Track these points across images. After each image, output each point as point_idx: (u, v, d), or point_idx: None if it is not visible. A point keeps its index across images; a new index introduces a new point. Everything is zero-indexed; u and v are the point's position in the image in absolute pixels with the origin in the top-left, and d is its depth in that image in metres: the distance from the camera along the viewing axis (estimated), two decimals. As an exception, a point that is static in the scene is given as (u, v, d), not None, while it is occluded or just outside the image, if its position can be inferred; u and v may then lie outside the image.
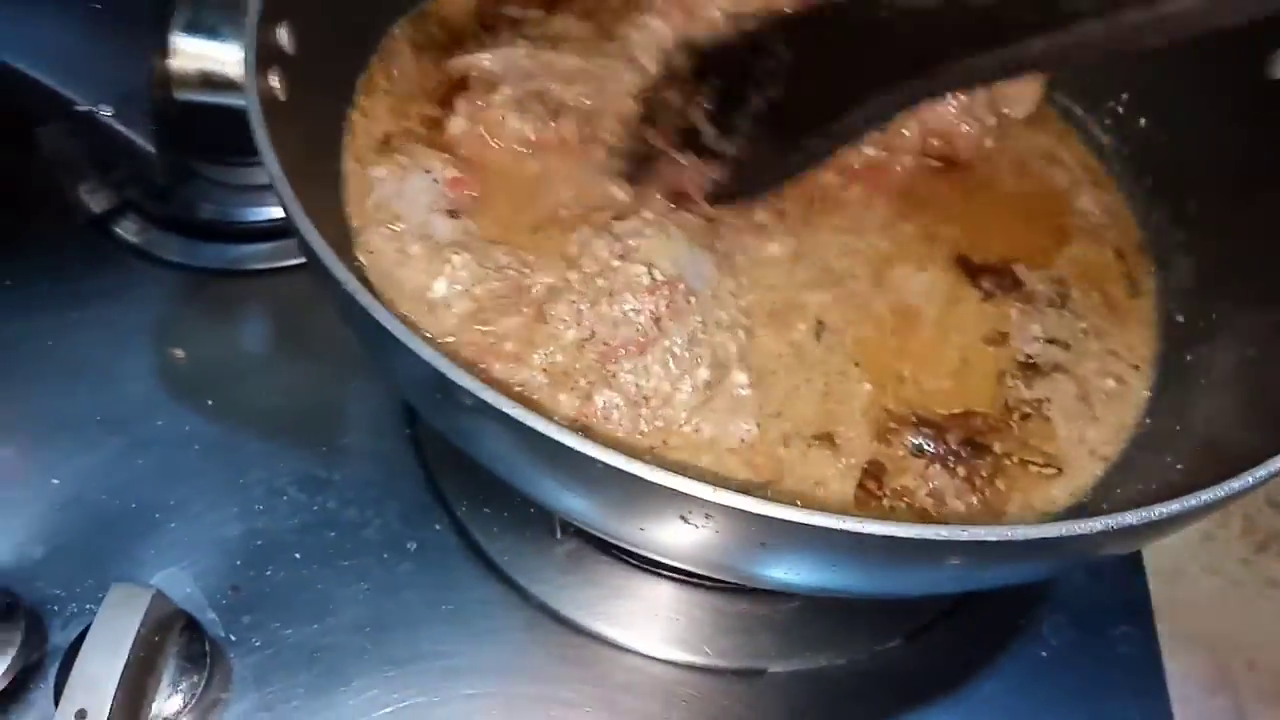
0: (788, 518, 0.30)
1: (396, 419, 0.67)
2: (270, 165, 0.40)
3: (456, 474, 0.64)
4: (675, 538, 0.36)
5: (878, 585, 0.41)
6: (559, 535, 0.62)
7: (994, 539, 0.30)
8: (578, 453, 0.32)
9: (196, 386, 0.68)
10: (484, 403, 0.33)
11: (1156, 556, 0.66)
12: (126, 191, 0.76)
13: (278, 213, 0.77)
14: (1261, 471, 0.36)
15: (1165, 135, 0.63)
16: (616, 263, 0.50)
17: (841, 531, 0.30)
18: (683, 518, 0.33)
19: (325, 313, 0.71)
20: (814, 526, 0.30)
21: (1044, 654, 0.60)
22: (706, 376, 0.49)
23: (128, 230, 0.76)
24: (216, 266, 0.74)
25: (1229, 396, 0.50)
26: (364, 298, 0.37)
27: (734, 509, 0.31)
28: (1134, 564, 0.64)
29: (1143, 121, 0.64)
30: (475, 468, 0.63)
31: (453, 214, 0.53)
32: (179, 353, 0.69)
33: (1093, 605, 0.62)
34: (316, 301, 0.73)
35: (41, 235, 0.74)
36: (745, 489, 0.34)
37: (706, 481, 0.31)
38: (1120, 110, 0.65)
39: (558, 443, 0.33)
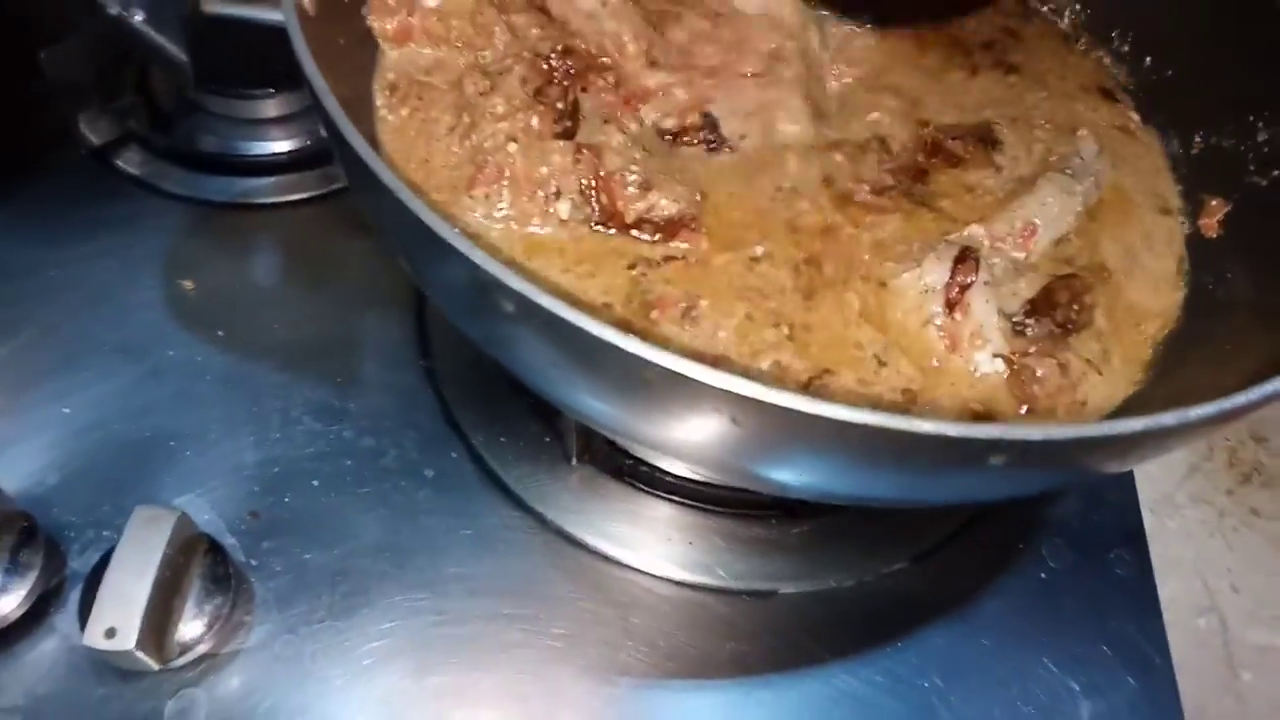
0: (846, 418, 0.31)
1: (411, 350, 0.67)
2: (308, 69, 0.39)
3: (472, 404, 0.65)
4: (712, 437, 0.37)
5: (933, 490, 0.42)
6: (573, 462, 0.63)
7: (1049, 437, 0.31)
8: (628, 354, 0.33)
9: (207, 317, 0.68)
10: (532, 303, 0.34)
11: (1145, 488, 0.68)
12: (128, 122, 0.75)
13: (282, 146, 0.77)
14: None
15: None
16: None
17: (900, 431, 0.31)
18: (733, 420, 0.34)
19: (335, 246, 0.73)
20: (879, 428, 0.31)
21: (1043, 575, 0.62)
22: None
23: (130, 162, 0.75)
24: (223, 200, 0.74)
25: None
26: (407, 197, 0.36)
27: (786, 409, 0.32)
28: (1127, 490, 0.66)
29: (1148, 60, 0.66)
30: (491, 397, 0.66)
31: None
32: (188, 284, 0.69)
33: (1089, 530, 0.65)
34: (324, 234, 0.74)
35: (43, 166, 0.74)
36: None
37: (757, 380, 0.32)
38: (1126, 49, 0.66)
39: (606, 343, 0.33)
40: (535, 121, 0.52)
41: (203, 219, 0.73)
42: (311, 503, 0.61)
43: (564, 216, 0.51)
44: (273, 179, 0.75)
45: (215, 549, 0.55)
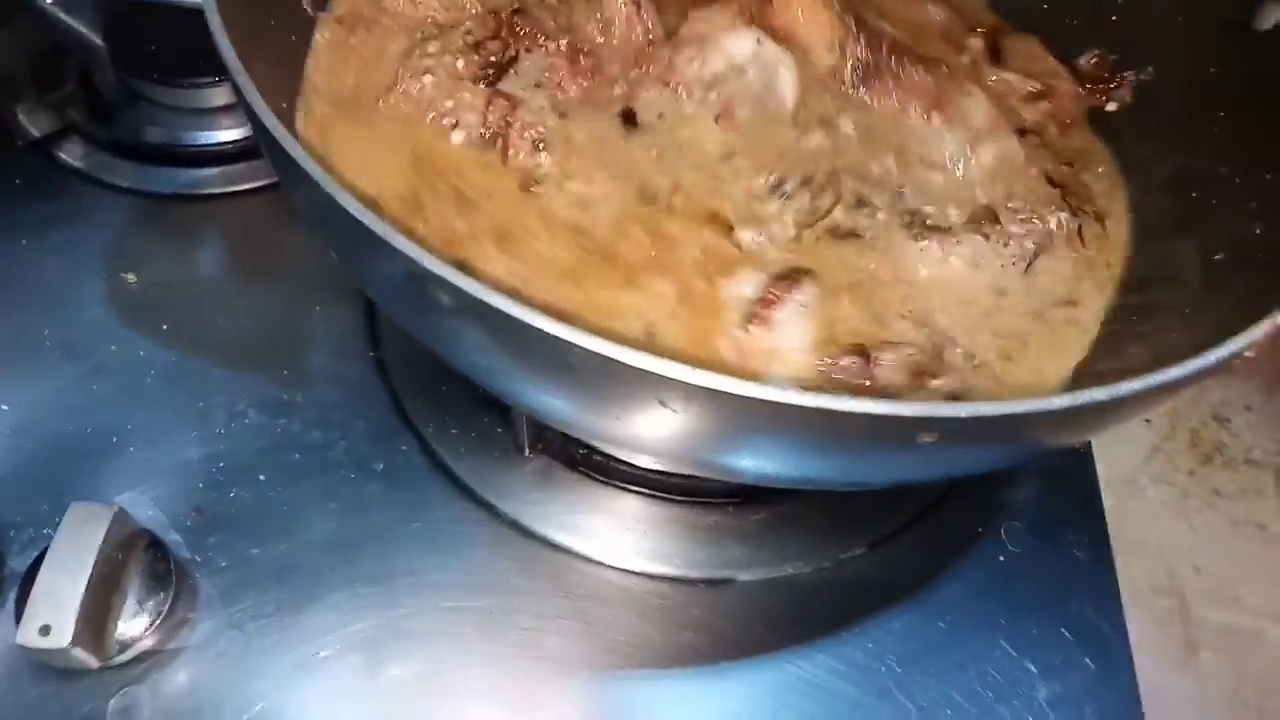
0: (777, 399, 0.30)
1: (360, 342, 0.66)
2: (223, 47, 0.38)
3: (422, 396, 0.64)
4: (653, 427, 0.36)
5: (870, 471, 0.41)
6: (526, 453, 0.62)
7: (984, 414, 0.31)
8: (560, 340, 0.32)
9: (151, 311, 0.66)
10: (467, 295, 0.33)
11: (1108, 469, 0.68)
12: (68, 114, 0.74)
13: (228, 136, 0.75)
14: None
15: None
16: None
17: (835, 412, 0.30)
18: (662, 402, 0.33)
19: (283, 237, 0.72)
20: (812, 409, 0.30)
21: (1002, 559, 0.62)
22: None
23: (72, 154, 0.73)
24: (168, 191, 0.72)
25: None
26: (332, 187, 0.36)
27: (718, 391, 0.31)
28: (1087, 474, 0.66)
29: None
30: (441, 388, 0.64)
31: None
32: (131, 277, 0.68)
33: (1048, 514, 0.64)
34: (272, 225, 0.72)
35: (-21, 159, 0.72)
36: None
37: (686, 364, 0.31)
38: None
39: (535, 329, 0.32)
40: (460, 64, 0.55)
41: (148, 211, 0.72)
42: (258, 498, 0.59)
43: (455, 141, 0.54)
44: (220, 169, 0.74)
45: (155, 545, 0.54)
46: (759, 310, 0.48)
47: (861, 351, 0.47)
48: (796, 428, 0.34)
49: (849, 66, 0.60)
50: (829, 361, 0.47)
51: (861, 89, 0.59)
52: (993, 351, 0.51)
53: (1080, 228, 0.56)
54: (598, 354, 0.32)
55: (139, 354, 0.64)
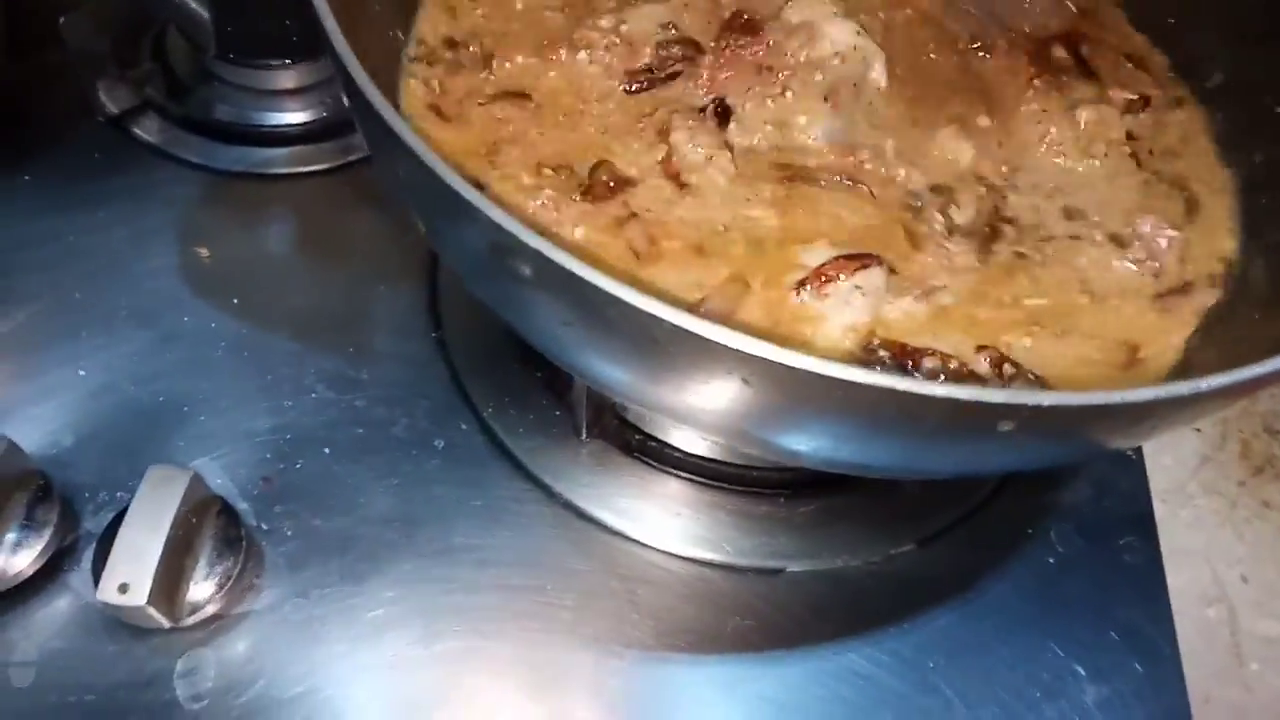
0: (858, 380, 0.31)
1: (423, 322, 0.67)
2: (329, 28, 0.39)
3: (482, 376, 0.65)
4: (722, 398, 0.37)
5: (935, 457, 0.41)
6: (583, 436, 0.63)
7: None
8: (645, 314, 0.33)
9: (221, 285, 0.68)
10: (548, 260, 0.34)
11: (1159, 478, 0.68)
12: (146, 90, 0.76)
13: (297, 118, 0.77)
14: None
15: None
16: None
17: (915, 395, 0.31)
18: (744, 380, 0.34)
19: (349, 218, 0.73)
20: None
21: (1051, 561, 0.62)
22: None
23: (147, 130, 0.75)
24: (238, 169, 0.74)
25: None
26: (424, 152, 0.36)
27: (798, 370, 0.32)
28: (1138, 478, 0.66)
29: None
30: (501, 370, 0.66)
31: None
32: (203, 251, 0.69)
33: (1099, 517, 0.64)
34: (339, 206, 0.74)
35: (62, 134, 0.74)
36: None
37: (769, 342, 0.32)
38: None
39: (617, 299, 0.33)
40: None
41: (219, 188, 0.74)
42: (323, 470, 0.61)
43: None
44: (288, 150, 0.75)
45: (227, 511, 0.56)
46: (813, 280, 0.48)
47: (902, 352, 0.48)
48: (872, 410, 0.35)
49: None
50: (865, 351, 0.47)
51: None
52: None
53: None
54: (684, 329, 0.33)
55: (210, 325, 0.66)
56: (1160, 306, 0.52)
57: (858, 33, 0.58)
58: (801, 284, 0.49)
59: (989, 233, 0.53)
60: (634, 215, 0.52)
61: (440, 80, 0.57)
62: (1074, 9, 0.66)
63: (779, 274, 0.50)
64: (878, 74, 0.58)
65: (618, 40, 0.58)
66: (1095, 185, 0.58)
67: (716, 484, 0.62)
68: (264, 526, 0.58)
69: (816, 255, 0.50)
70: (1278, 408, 0.77)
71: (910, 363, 0.46)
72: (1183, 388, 0.32)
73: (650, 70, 0.58)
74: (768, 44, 0.58)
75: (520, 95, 0.57)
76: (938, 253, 0.52)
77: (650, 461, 0.63)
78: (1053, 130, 0.59)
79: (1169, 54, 0.66)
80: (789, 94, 0.56)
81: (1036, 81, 0.61)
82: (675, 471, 0.63)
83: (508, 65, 0.58)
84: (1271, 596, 0.68)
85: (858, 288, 0.48)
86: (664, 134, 0.56)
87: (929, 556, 0.62)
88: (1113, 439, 0.40)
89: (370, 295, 0.69)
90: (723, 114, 0.56)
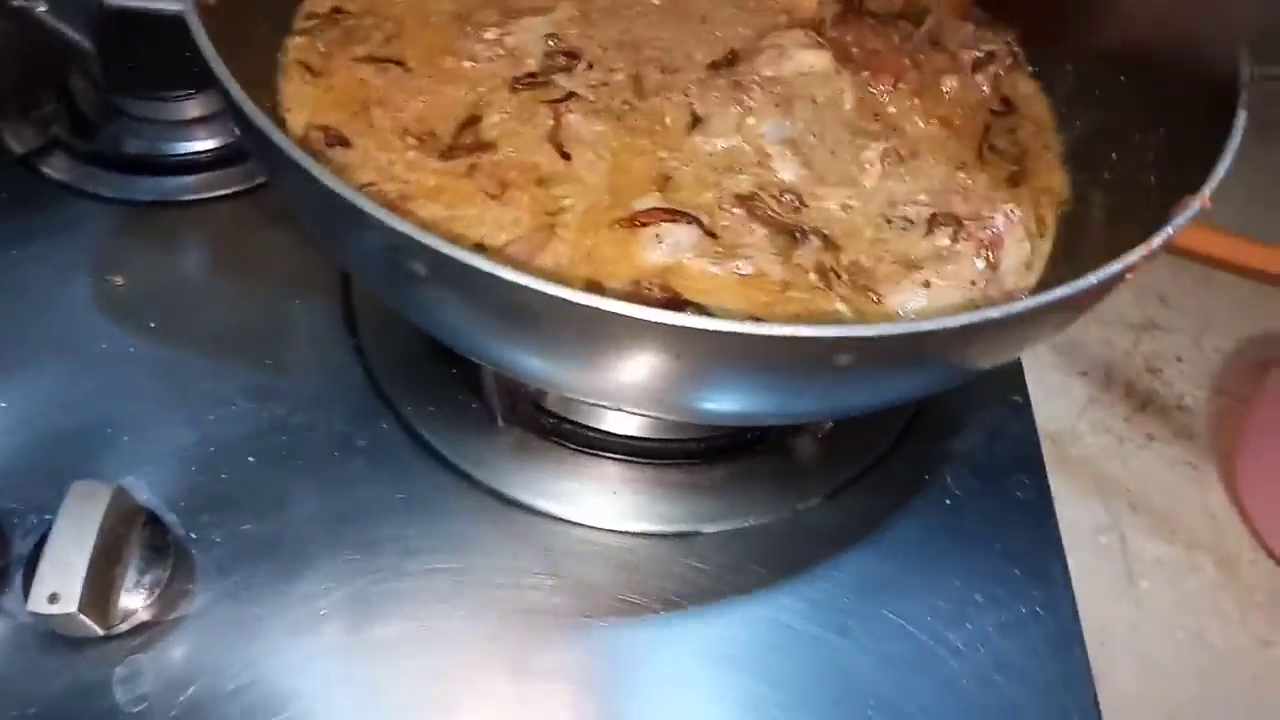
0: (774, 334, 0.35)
1: (339, 330, 0.70)
2: (205, 51, 0.42)
3: (400, 377, 0.68)
4: (614, 362, 0.40)
5: (802, 399, 0.45)
6: (500, 424, 0.66)
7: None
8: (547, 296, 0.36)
9: (139, 311, 0.70)
10: (446, 258, 0.37)
11: (1050, 420, 0.72)
12: (52, 129, 0.77)
13: (205, 145, 0.79)
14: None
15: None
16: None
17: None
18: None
19: (261, 238, 0.75)
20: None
21: (949, 502, 0.66)
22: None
23: (56, 168, 0.77)
24: (150, 199, 0.76)
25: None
26: (309, 164, 0.40)
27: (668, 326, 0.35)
28: (1026, 422, 0.71)
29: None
30: (418, 369, 0.68)
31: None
32: (119, 280, 0.71)
33: (991, 460, 0.69)
34: (251, 227, 0.76)
35: (-33, 176, 0.75)
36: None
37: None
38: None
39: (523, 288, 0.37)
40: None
41: (131, 219, 0.75)
42: (248, 478, 0.63)
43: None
44: (198, 177, 0.77)
45: (154, 521, 0.57)
46: (627, 221, 0.54)
47: (671, 298, 0.53)
48: (735, 355, 0.38)
49: (832, 12, 0.67)
50: (635, 286, 0.53)
51: (838, 30, 0.66)
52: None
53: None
54: (549, 295, 0.36)
55: (128, 350, 0.68)
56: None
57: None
58: (618, 221, 0.54)
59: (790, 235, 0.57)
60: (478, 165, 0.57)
61: (321, 42, 0.61)
62: None
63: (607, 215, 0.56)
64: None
65: (502, 51, 0.62)
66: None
67: (633, 459, 0.66)
68: (193, 535, 0.60)
69: (646, 204, 0.56)
70: (1159, 348, 0.82)
71: (673, 307, 0.51)
72: (993, 312, 0.37)
73: (534, 75, 0.61)
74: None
75: (395, 61, 0.61)
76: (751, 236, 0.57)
77: (566, 443, 0.66)
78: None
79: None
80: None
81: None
82: (592, 451, 0.66)
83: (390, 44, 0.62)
84: (1158, 521, 0.72)
85: (657, 236, 0.53)
86: (555, 110, 0.60)
87: (835, 507, 0.65)
88: (958, 364, 0.44)
89: (286, 309, 0.71)
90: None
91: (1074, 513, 0.68)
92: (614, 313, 0.35)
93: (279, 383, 0.67)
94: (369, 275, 0.49)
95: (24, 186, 0.75)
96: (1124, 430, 0.76)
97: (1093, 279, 0.40)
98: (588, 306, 0.36)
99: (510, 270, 0.37)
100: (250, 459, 0.64)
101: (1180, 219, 0.45)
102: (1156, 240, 0.43)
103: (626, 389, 0.44)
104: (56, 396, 0.65)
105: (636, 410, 0.60)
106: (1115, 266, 0.41)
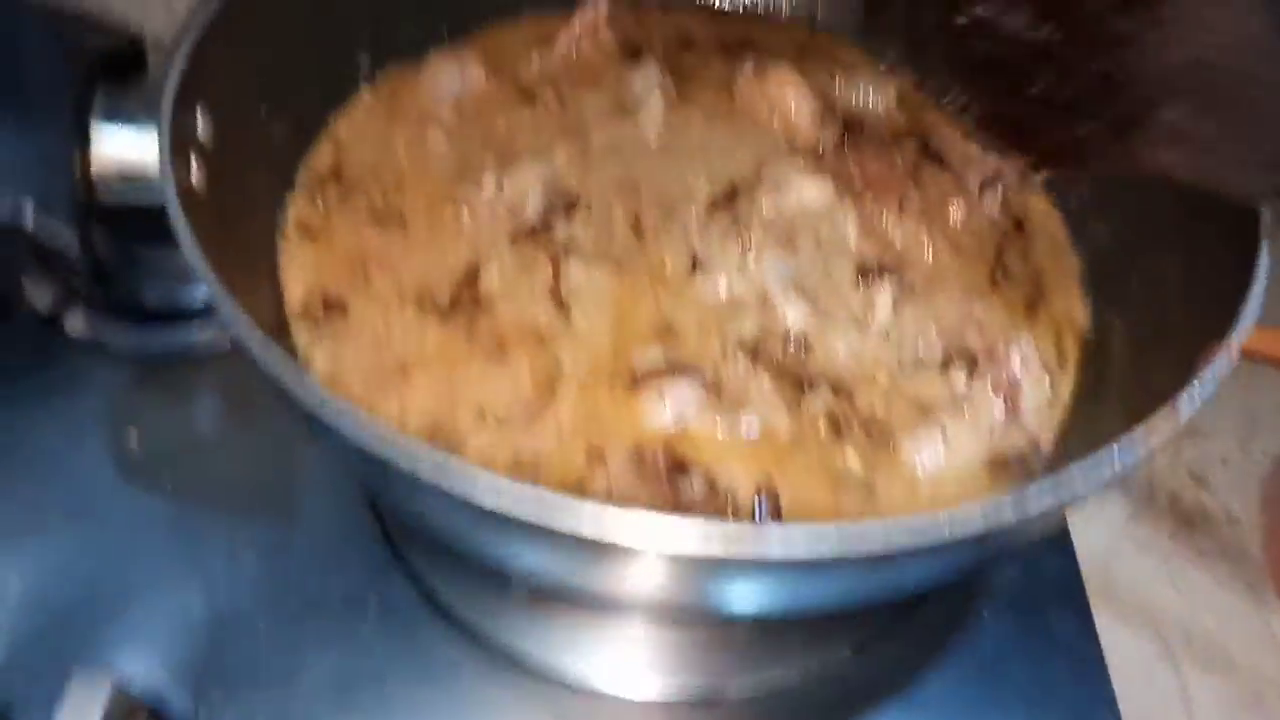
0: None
1: (352, 484, 0.69)
2: (191, 256, 0.42)
3: (414, 534, 0.66)
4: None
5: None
6: (515, 584, 0.64)
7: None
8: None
9: (154, 469, 0.69)
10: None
11: (1088, 541, 0.69)
12: (72, 283, 0.78)
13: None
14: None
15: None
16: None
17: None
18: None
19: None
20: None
21: (984, 647, 0.63)
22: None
23: (74, 321, 0.78)
24: (166, 350, 0.76)
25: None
26: (285, 374, 0.39)
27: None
28: (1065, 550, 0.67)
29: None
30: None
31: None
32: (134, 438, 0.71)
33: (1029, 593, 0.65)
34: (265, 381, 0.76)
35: (-11, 337, 0.76)
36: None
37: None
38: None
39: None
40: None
41: (147, 372, 0.76)
42: (259, 645, 0.61)
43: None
44: (215, 328, 0.78)
45: (155, 716, 0.56)
46: (631, 382, 0.53)
47: (673, 462, 0.51)
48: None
49: (831, 139, 0.66)
50: (638, 454, 0.51)
51: (839, 156, 0.65)
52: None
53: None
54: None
55: (142, 513, 0.67)
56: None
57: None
58: (619, 380, 0.53)
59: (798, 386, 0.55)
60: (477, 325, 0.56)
61: (321, 200, 0.61)
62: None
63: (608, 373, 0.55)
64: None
65: (501, 200, 0.61)
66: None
67: (655, 621, 0.63)
68: (202, 712, 0.58)
69: (647, 359, 0.55)
70: (1201, 456, 0.79)
71: (680, 475, 0.49)
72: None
73: (533, 225, 0.61)
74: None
75: (394, 217, 0.61)
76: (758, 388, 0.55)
77: (584, 604, 0.64)
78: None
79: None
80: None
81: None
82: (611, 611, 0.63)
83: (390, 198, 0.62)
84: (1215, 651, 0.68)
85: (660, 396, 0.51)
86: (553, 260, 0.59)
87: (864, 661, 0.62)
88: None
89: (300, 461, 0.70)
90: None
91: (1122, 646, 0.64)
92: (595, 541, 0.34)
93: (292, 539, 0.66)
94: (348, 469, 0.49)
95: (40, 342, 0.76)
96: (1170, 548, 0.72)
97: (1116, 465, 0.38)
98: (567, 534, 0.35)
99: (488, 479, 0.36)
100: (260, 625, 0.62)
101: (1208, 373, 0.42)
102: (1183, 407, 0.41)
103: (627, 598, 0.42)
104: (68, 568, 0.64)
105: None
106: (1137, 450, 0.39)
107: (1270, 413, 0.79)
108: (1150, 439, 0.41)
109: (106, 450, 0.70)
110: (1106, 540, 0.72)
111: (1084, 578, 0.67)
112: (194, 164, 0.50)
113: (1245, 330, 0.44)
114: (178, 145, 0.47)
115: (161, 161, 0.45)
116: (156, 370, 0.76)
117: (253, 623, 0.63)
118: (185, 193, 0.47)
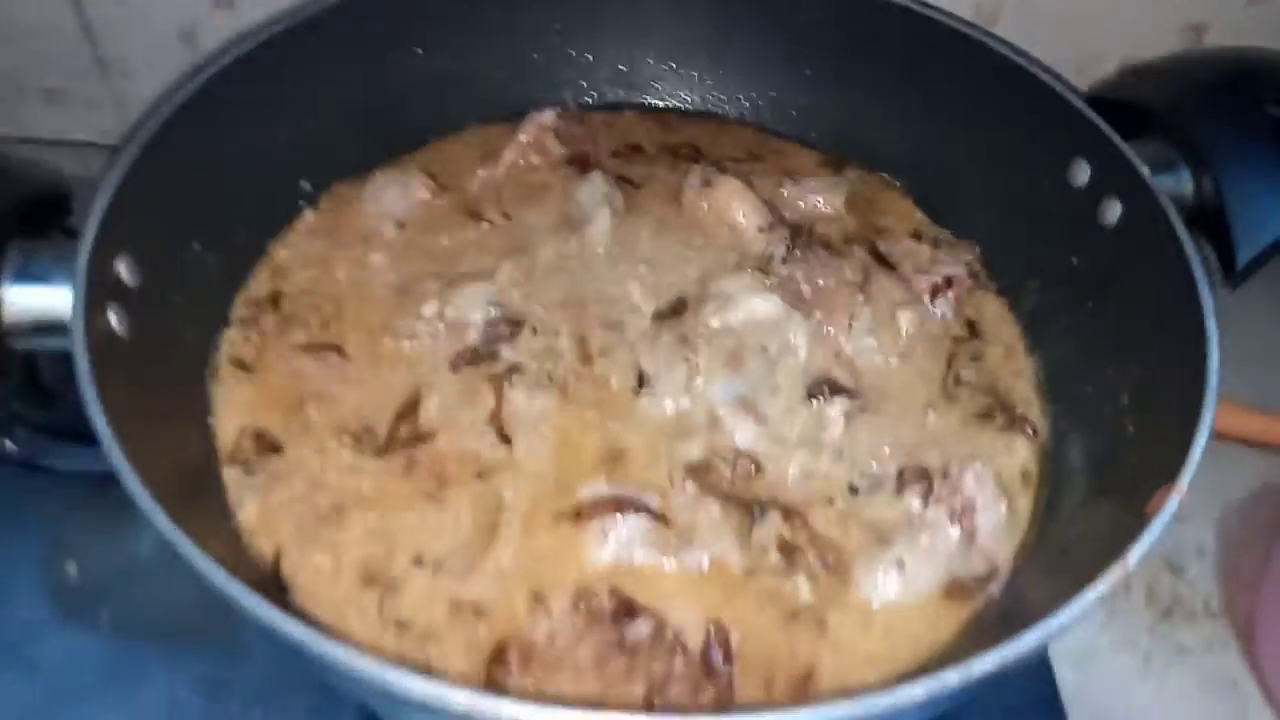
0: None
1: (294, 608, 0.66)
2: (97, 421, 0.40)
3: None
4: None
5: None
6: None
7: None
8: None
9: (90, 601, 0.67)
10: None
11: (1065, 643, 0.67)
12: (14, 404, 0.76)
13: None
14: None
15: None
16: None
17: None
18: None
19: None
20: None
21: (959, 767, 0.61)
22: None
23: (15, 441, 0.75)
24: (106, 471, 0.74)
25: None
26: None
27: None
28: (1038, 656, 0.65)
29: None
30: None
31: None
32: (71, 568, 0.69)
33: (1004, 706, 0.63)
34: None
35: (-78, 461, 0.74)
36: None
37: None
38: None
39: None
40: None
41: (87, 494, 0.73)
42: (201, 793, 0.59)
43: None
44: (158, 444, 0.76)
45: None
46: (574, 515, 0.52)
47: (620, 605, 0.49)
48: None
49: (780, 250, 0.64)
50: (581, 595, 0.49)
51: (788, 268, 0.63)
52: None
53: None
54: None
55: (79, 648, 0.64)
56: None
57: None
58: (564, 515, 0.52)
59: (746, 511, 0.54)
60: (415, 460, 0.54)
61: (255, 333, 0.60)
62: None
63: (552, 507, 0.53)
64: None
65: (442, 325, 0.60)
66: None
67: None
68: None
69: (591, 491, 0.53)
70: (1177, 544, 0.77)
71: (626, 618, 0.48)
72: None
73: (475, 350, 0.59)
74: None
75: (332, 348, 0.59)
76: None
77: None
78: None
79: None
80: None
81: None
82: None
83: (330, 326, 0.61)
84: (1200, 753, 0.66)
85: (604, 531, 0.50)
86: (496, 387, 0.57)
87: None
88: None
89: (242, 587, 0.68)
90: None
91: (1100, 754, 0.62)
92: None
93: (234, 673, 0.64)
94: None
95: (-22, 468, 0.74)
96: (1149, 645, 0.70)
97: (1068, 618, 0.37)
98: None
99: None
100: (201, 770, 0.60)
101: (1156, 520, 0.41)
102: (1133, 555, 0.39)
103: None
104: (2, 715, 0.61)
105: None
106: (1090, 595, 0.37)
107: (1246, 496, 0.77)
108: (1101, 588, 0.39)
109: (42, 581, 0.68)
110: (1083, 642, 0.70)
111: (1060, 681, 0.65)
112: (115, 315, 0.48)
113: (1194, 467, 0.43)
114: (95, 300, 0.46)
115: (74, 321, 0.44)
116: (96, 491, 0.73)
117: (193, 769, 0.60)
118: (104, 344, 0.46)
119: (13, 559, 0.69)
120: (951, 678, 0.35)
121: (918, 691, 0.34)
